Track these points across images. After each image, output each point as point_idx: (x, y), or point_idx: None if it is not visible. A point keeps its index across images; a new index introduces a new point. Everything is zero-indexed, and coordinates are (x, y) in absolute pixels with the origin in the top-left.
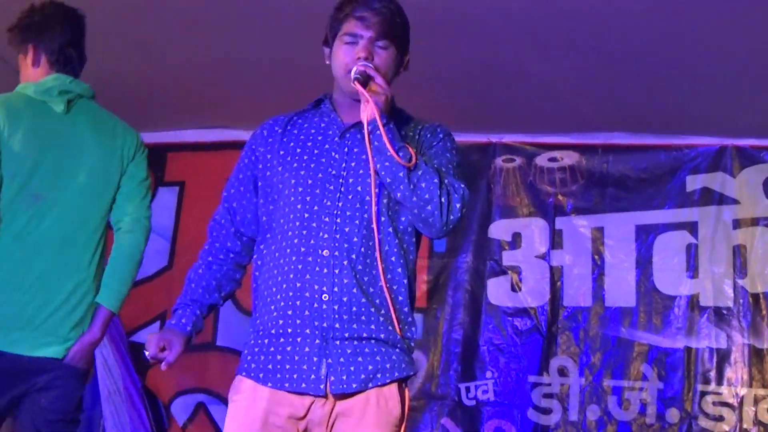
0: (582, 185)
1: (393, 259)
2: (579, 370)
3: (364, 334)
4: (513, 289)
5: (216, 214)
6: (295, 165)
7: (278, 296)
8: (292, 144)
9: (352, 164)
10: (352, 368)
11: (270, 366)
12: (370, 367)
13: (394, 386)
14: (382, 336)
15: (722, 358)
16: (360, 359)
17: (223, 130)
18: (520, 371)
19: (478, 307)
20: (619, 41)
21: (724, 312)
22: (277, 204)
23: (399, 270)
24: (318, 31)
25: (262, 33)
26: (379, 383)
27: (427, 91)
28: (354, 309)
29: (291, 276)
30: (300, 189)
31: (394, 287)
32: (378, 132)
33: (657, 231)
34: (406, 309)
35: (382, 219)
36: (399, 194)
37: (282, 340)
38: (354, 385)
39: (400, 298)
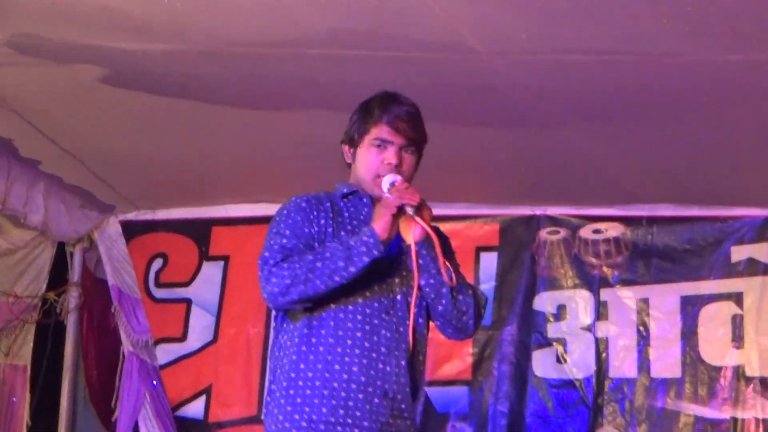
0: (627, 257)
1: (421, 358)
2: None
3: (402, 429)
4: (558, 361)
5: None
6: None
7: (335, 385)
8: (343, 233)
9: (398, 265)
10: None
11: None
12: None
13: None
14: (412, 430)
15: None
16: None
17: (267, 205)
18: None
19: (524, 379)
20: (663, 115)
21: None
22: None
23: (421, 368)
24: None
25: (301, 117)
26: None
27: (471, 166)
28: (403, 406)
29: (355, 369)
30: (360, 283)
31: (416, 384)
32: (424, 252)
33: (702, 302)
34: (416, 403)
35: (420, 320)
36: (441, 308)
37: (339, 428)
38: None
39: (417, 393)
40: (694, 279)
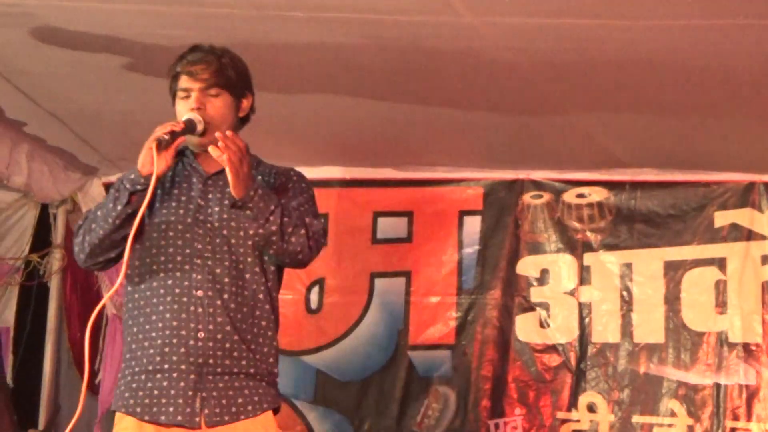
0: (610, 221)
1: (261, 296)
2: (608, 407)
3: (235, 370)
4: (542, 326)
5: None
6: (164, 211)
7: (153, 334)
8: (159, 191)
9: (216, 209)
10: (224, 401)
11: (147, 401)
12: (240, 400)
13: (267, 414)
14: (252, 371)
15: (751, 394)
16: (231, 393)
17: None
18: (549, 408)
19: (507, 343)
20: (647, 79)
21: (753, 348)
22: (147, 248)
23: (267, 306)
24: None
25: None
26: (250, 415)
27: (454, 129)
28: (227, 346)
29: (167, 315)
30: (171, 233)
31: (263, 323)
32: (250, 204)
33: (685, 267)
34: (274, 343)
35: (249, 260)
36: (274, 247)
37: (159, 375)
38: (226, 418)
39: (269, 333)
40: (677, 244)
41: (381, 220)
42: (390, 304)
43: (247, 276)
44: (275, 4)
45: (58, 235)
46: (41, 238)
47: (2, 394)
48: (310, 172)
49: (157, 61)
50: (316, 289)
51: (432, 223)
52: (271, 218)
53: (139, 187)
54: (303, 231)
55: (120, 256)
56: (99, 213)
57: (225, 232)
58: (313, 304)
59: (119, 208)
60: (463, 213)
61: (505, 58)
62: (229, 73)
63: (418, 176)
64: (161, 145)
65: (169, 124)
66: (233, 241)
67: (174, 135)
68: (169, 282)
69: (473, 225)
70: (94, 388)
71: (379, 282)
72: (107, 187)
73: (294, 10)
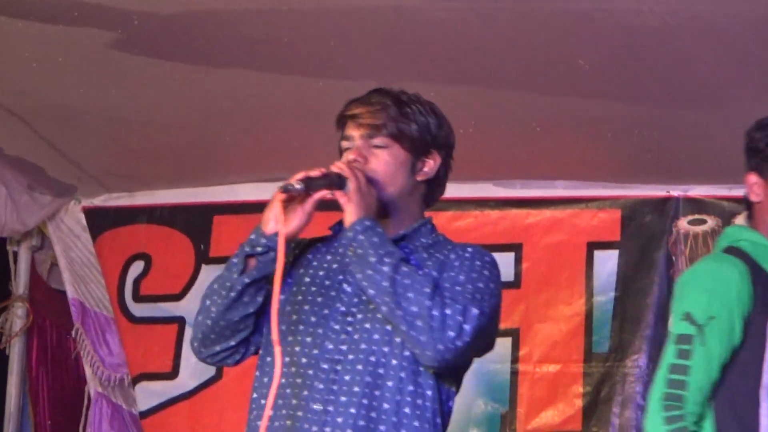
0: None
1: (407, 410)
2: None
3: None
4: None
5: None
6: (300, 298)
7: None
8: (301, 271)
9: (364, 298)
10: None
11: None
12: None
13: None
14: None
15: None
16: None
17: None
18: None
19: None
20: None
21: None
22: (270, 339)
23: (416, 423)
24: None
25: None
26: None
27: (579, 127)
28: None
29: (276, 424)
30: (301, 327)
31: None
32: (360, 237)
33: None
34: None
35: (393, 362)
36: (385, 308)
37: None
38: None
39: None
40: None
41: None
42: (490, 376)
43: (390, 383)
44: None
45: (20, 282)
46: None
47: None
48: None
49: (156, 36)
50: None
51: (549, 261)
52: (386, 260)
53: (259, 249)
54: (427, 289)
55: (244, 345)
56: (215, 285)
57: (368, 325)
58: None
59: (234, 276)
60: (593, 245)
61: (647, 21)
62: (408, 124)
63: (528, 194)
64: (290, 195)
65: (306, 172)
66: (376, 336)
67: (309, 184)
68: (287, 390)
69: (607, 263)
70: None
71: None
72: (90, 213)
73: None
